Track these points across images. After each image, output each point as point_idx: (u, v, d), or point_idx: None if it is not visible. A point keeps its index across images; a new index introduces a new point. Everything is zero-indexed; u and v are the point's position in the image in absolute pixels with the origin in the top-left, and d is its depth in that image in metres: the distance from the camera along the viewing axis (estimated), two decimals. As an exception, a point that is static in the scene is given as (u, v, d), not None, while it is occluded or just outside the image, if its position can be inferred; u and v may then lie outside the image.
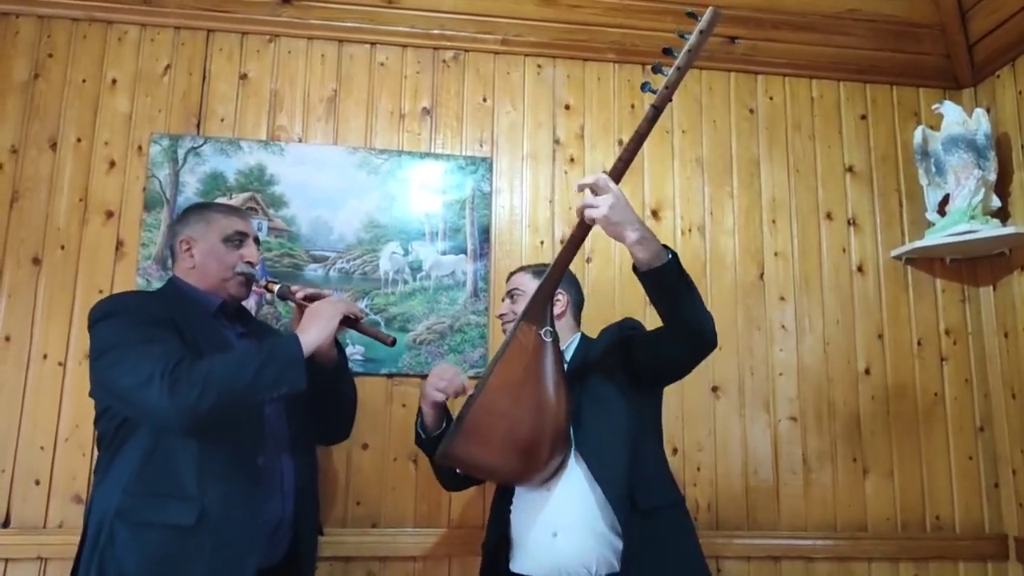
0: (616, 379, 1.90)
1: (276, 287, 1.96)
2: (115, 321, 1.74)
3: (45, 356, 2.45)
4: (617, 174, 1.72)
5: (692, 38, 1.69)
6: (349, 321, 1.88)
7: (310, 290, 1.97)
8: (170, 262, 2.03)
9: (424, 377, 2.56)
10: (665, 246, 1.69)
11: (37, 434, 2.41)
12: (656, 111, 1.71)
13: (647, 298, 1.78)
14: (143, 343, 1.68)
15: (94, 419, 1.80)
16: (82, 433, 2.42)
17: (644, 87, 1.73)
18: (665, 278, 1.67)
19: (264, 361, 1.67)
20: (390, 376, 2.57)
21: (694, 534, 1.94)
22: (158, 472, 1.68)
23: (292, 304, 1.99)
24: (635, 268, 1.71)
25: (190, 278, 1.92)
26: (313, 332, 1.78)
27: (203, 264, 1.91)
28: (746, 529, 2.67)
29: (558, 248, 2.73)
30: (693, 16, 1.70)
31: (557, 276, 1.82)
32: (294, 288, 1.97)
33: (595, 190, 1.66)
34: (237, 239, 1.94)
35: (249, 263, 1.94)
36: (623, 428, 1.85)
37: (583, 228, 1.75)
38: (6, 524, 2.35)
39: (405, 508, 2.54)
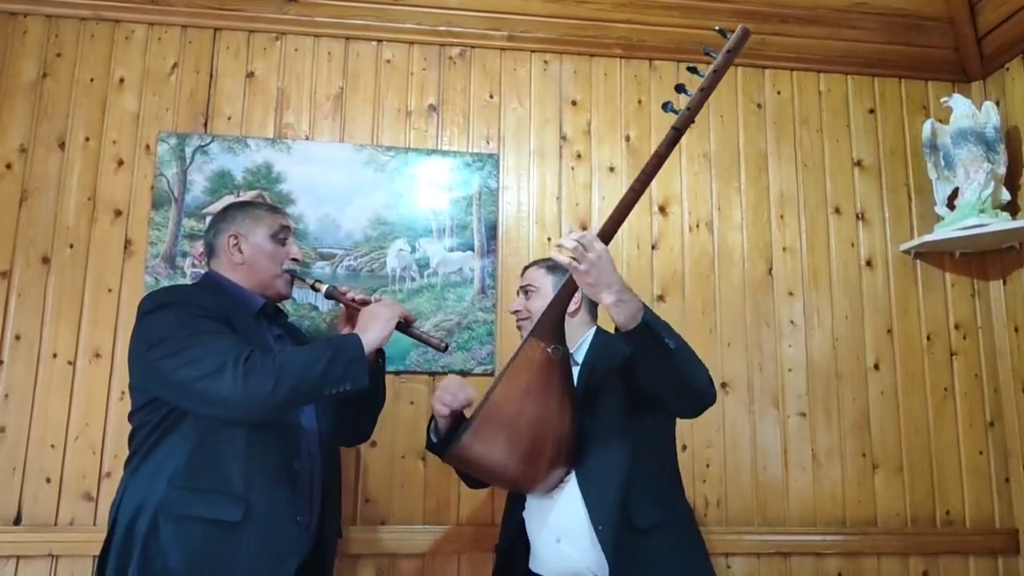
0: (620, 394, 1.87)
1: (324, 287, 1.96)
2: (170, 312, 1.73)
3: (55, 355, 2.46)
4: (607, 232, 1.69)
5: (719, 58, 1.63)
6: (401, 325, 1.89)
7: (360, 294, 1.98)
8: (205, 259, 2.00)
9: (431, 375, 2.58)
10: (644, 305, 1.65)
11: (48, 433, 2.42)
12: (677, 133, 1.66)
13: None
14: (204, 334, 1.68)
15: (130, 413, 1.79)
16: (92, 431, 2.43)
17: (666, 107, 1.68)
18: (642, 339, 1.64)
19: (332, 357, 1.69)
20: (398, 374, 2.58)
21: (697, 547, 1.92)
22: (205, 467, 1.69)
23: (341, 305, 1.99)
24: (616, 329, 1.68)
25: (235, 274, 1.91)
26: (373, 332, 1.79)
27: (253, 260, 1.90)
28: (755, 525, 2.67)
29: (566, 244, 2.73)
30: (722, 34, 1.63)
31: (563, 301, 1.80)
32: (343, 289, 1.98)
33: (578, 250, 1.62)
34: (283, 235, 1.94)
35: (295, 260, 1.95)
36: (622, 447, 1.84)
37: (573, 282, 1.72)
38: (17, 522, 2.36)
39: (414, 505, 2.54)
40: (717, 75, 1.64)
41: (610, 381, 1.90)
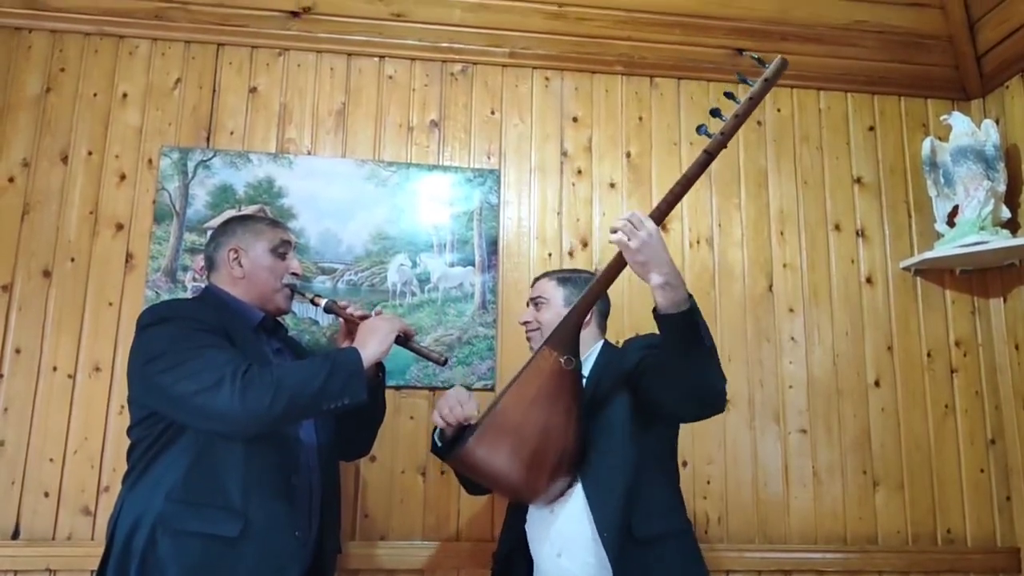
0: (626, 405, 1.87)
1: (323, 301, 1.96)
2: (170, 326, 1.73)
3: (55, 368, 2.46)
4: (658, 215, 1.69)
5: (756, 86, 1.65)
6: (400, 339, 1.89)
7: (360, 309, 1.98)
8: (205, 273, 2.00)
9: (432, 390, 2.58)
10: (690, 296, 1.64)
11: (46, 446, 2.41)
12: (709, 157, 1.67)
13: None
14: (203, 348, 1.68)
15: (128, 427, 1.79)
16: (91, 445, 2.43)
17: (700, 130, 1.69)
18: (678, 328, 1.63)
19: (331, 371, 1.69)
20: (398, 388, 2.57)
21: (696, 561, 1.91)
22: (203, 482, 1.68)
23: (341, 319, 1.99)
24: (655, 310, 1.67)
25: (235, 288, 1.91)
26: (372, 346, 1.79)
27: (252, 274, 1.91)
28: (756, 542, 2.66)
29: (566, 260, 2.74)
30: (760, 62, 1.66)
31: (586, 307, 1.81)
32: (341, 303, 1.98)
33: (628, 227, 1.63)
34: (284, 250, 1.95)
35: (295, 275, 1.96)
36: (626, 457, 1.83)
37: (619, 262, 1.72)
38: (15, 536, 2.35)
39: (413, 521, 2.53)
40: (753, 103, 1.66)
41: (616, 394, 1.90)
